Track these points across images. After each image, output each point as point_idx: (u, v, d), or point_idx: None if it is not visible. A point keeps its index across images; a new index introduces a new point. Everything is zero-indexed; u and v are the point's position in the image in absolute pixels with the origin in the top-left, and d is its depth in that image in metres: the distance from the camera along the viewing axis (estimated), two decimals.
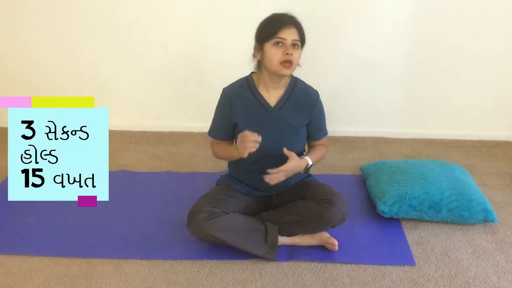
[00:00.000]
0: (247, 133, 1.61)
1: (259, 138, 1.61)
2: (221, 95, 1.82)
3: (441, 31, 2.66)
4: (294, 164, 1.71)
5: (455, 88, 2.80)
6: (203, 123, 2.99)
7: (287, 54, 1.62)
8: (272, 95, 1.78)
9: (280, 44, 1.63)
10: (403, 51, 2.73)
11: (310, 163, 1.78)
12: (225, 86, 1.82)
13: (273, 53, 1.64)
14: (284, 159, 1.71)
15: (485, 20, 2.61)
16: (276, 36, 1.62)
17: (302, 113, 1.80)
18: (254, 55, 1.74)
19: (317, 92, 1.84)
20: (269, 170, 1.66)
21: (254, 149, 1.61)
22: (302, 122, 1.82)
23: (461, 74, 2.77)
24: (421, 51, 2.72)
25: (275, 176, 1.67)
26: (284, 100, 1.78)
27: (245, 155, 1.62)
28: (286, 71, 1.66)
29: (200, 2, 2.66)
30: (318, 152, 1.88)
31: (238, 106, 1.78)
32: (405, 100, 2.85)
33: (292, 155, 1.70)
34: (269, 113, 1.77)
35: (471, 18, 2.61)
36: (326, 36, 2.70)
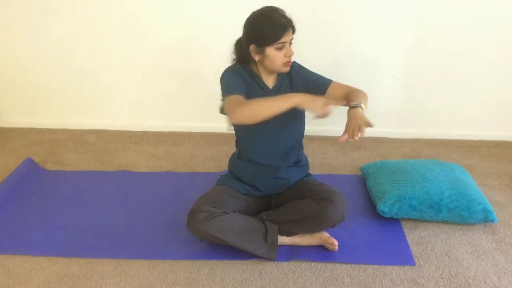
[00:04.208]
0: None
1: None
2: (227, 71, 1.79)
3: (441, 31, 2.65)
4: (355, 116, 1.74)
5: (455, 88, 2.80)
6: (203, 123, 3.02)
7: (289, 55, 1.70)
8: (268, 79, 1.80)
9: (282, 47, 1.68)
10: (403, 51, 2.73)
11: (361, 106, 1.80)
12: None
13: (277, 57, 1.68)
14: (285, 138, 1.79)
15: (485, 20, 2.60)
16: (279, 41, 1.66)
17: (297, 89, 1.82)
18: (251, 55, 1.72)
19: (294, 62, 1.85)
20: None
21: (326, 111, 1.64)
22: None
23: (461, 74, 2.76)
24: (421, 51, 2.71)
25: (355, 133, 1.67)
26: (280, 82, 1.81)
27: (318, 108, 1.63)
28: (287, 69, 1.75)
29: (200, 2, 2.66)
30: (352, 89, 1.87)
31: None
32: (405, 100, 2.84)
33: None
34: (268, 95, 1.78)
35: (471, 18, 2.61)
36: (326, 36, 2.70)
